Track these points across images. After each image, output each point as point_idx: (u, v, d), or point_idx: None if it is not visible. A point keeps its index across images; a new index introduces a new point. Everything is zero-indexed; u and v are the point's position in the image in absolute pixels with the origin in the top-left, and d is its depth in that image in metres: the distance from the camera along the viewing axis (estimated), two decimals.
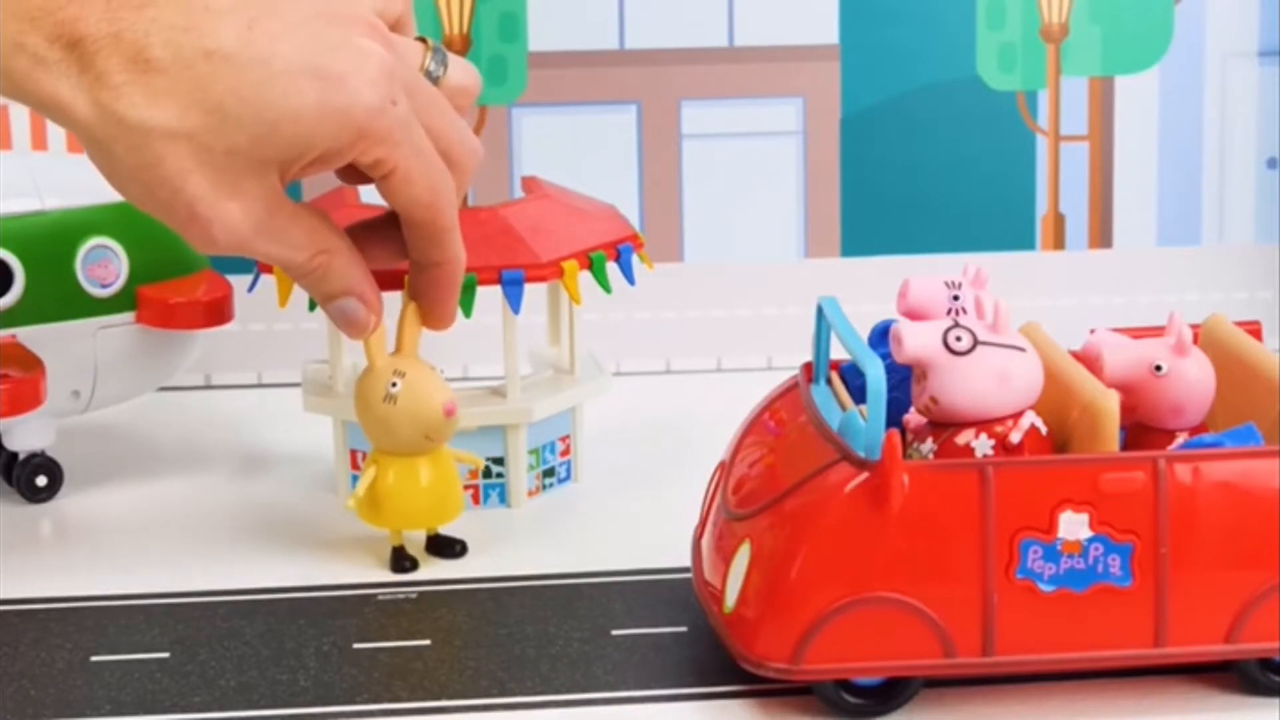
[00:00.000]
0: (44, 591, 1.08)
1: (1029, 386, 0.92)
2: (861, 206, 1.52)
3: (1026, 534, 0.88)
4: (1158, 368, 0.96)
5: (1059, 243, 1.53)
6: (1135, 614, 0.90)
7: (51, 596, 1.08)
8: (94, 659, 0.99)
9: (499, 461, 1.20)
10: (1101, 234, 1.53)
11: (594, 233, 1.21)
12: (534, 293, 1.19)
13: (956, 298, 0.98)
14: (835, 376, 1.02)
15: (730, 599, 0.92)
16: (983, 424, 0.91)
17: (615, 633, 1.01)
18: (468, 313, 1.15)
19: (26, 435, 1.22)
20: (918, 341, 0.90)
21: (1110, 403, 0.91)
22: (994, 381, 0.91)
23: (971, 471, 0.88)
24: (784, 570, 0.89)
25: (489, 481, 1.20)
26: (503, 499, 1.21)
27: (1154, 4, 1.50)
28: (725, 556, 0.94)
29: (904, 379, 0.96)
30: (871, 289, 1.52)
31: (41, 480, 1.23)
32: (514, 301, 1.15)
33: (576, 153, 1.50)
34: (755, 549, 0.91)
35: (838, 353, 1.00)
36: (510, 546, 1.14)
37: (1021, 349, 0.92)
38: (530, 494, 1.22)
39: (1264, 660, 0.92)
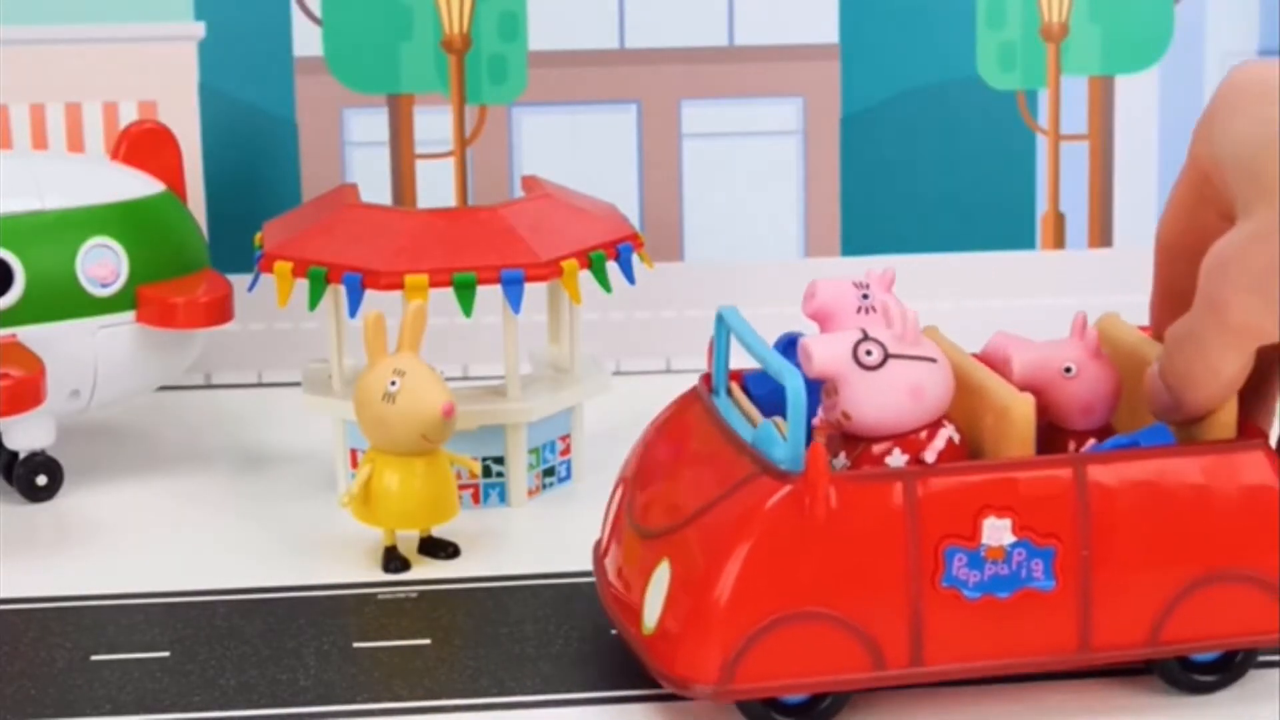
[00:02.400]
0: (44, 591, 1.08)
1: (941, 397, 0.90)
2: (861, 206, 1.52)
3: (951, 542, 0.87)
4: (1067, 369, 0.94)
5: (1059, 242, 1.53)
6: (1060, 617, 0.89)
7: (51, 596, 1.08)
8: (94, 658, 0.99)
9: (499, 461, 1.20)
10: (1101, 234, 1.53)
11: (594, 232, 1.21)
12: (534, 292, 1.19)
13: (866, 296, 0.96)
14: (736, 388, 0.99)
15: (650, 619, 0.90)
16: (897, 438, 0.89)
17: (615, 632, 1.01)
18: (468, 313, 1.15)
19: (26, 434, 1.22)
20: (827, 355, 0.88)
21: (1026, 407, 0.89)
22: (906, 395, 0.89)
23: (895, 481, 0.87)
24: (708, 589, 0.87)
25: (489, 481, 1.20)
26: (503, 498, 1.21)
27: (1154, 4, 1.50)
28: (641, 574, 0.91)
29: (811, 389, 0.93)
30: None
31: (41, 479, 1.23)
32: (514, 301, 1.15)
33: (576, 153, 1.50)
34: (676, 568, 0.89)
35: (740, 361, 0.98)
36: (510, 546, 1.14)
37: (933, 359, 0.90)
38: (530, 494, 1.22)
39: (1183, 659, 0.92)
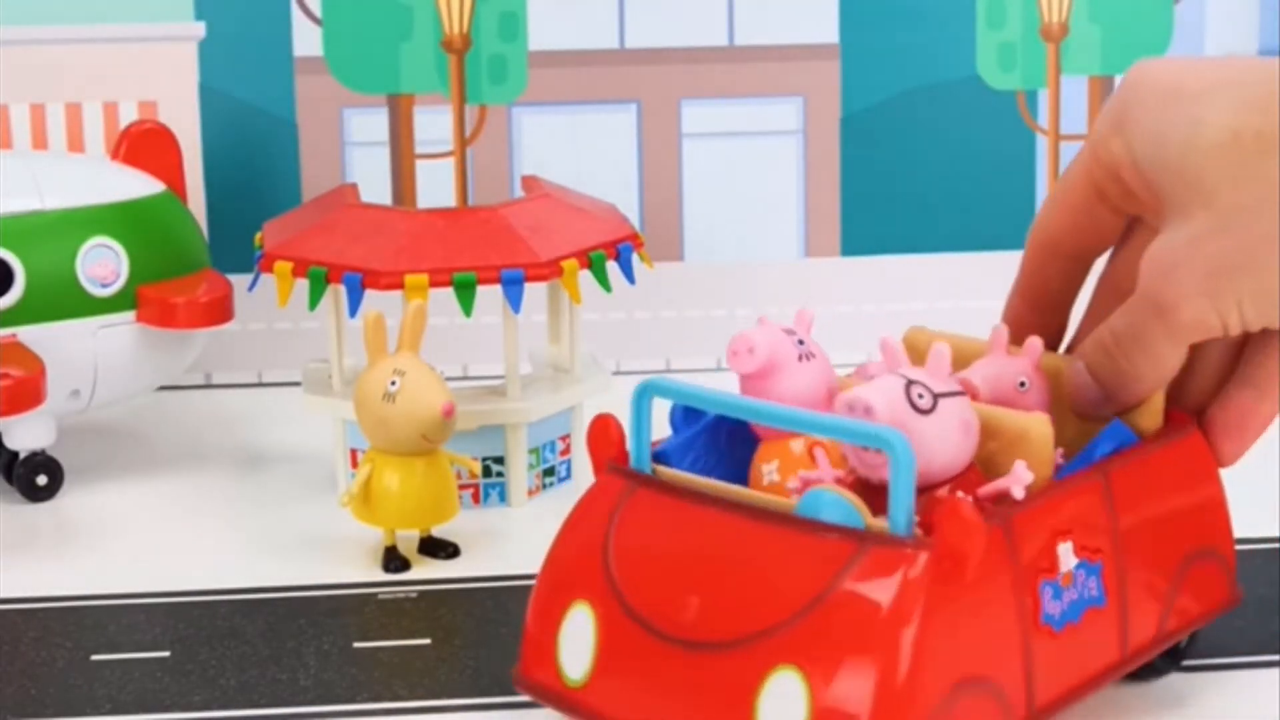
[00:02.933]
0: (44, 590, 1.08)
1: (978, 429, 0.85)
2: (861, 206, 1.52)
3: (1042, 576, 0.83)
4: (1021, 384, 0.91)
5: None
6: (1111, 630, 0.87)
7: (52, 595, 1.08)
8: (94, 658, 0.99)
9: (499, 461, 1.20)
10: None
11: (594, 232, 1.21)
12: (534, 292, 1.19)
13: (801, 343, 0.90)
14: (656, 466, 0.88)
15: None
16: (956, 479, 0.83)
17: None
18: (468, 313, 1.15)
19: (27, 434, 1.22)
20: (888, 405, 0.81)
21: (1046, 427, 0.85)
22: (960, 433, 0.83)
23: (996, 523, 0.81)
24: (887, 681, 0.76)
25: (489, 481, 1.20)
26: (503, 498, 1.21)
27: (1154, 4, 1.50)
28: (725, 691, 0.79)
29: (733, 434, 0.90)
30: (871, 289, 1.52)
31: (42, 479, 1.23)
32: (514, 301, 1.15)
33: (576, 153, 1.50)
34: (810, 671, 0.77)
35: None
36: (510, 546, 1.14)
37: (963, 391, 0.85)
38: (530, 493, 1.22)
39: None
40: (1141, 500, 0.89)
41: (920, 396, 0.82)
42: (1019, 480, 0.82)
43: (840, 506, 0.81)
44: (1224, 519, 0.94)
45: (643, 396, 0.86)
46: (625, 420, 0.88)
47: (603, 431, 0.89)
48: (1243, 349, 0.93)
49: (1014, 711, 0.82)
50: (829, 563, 0.79)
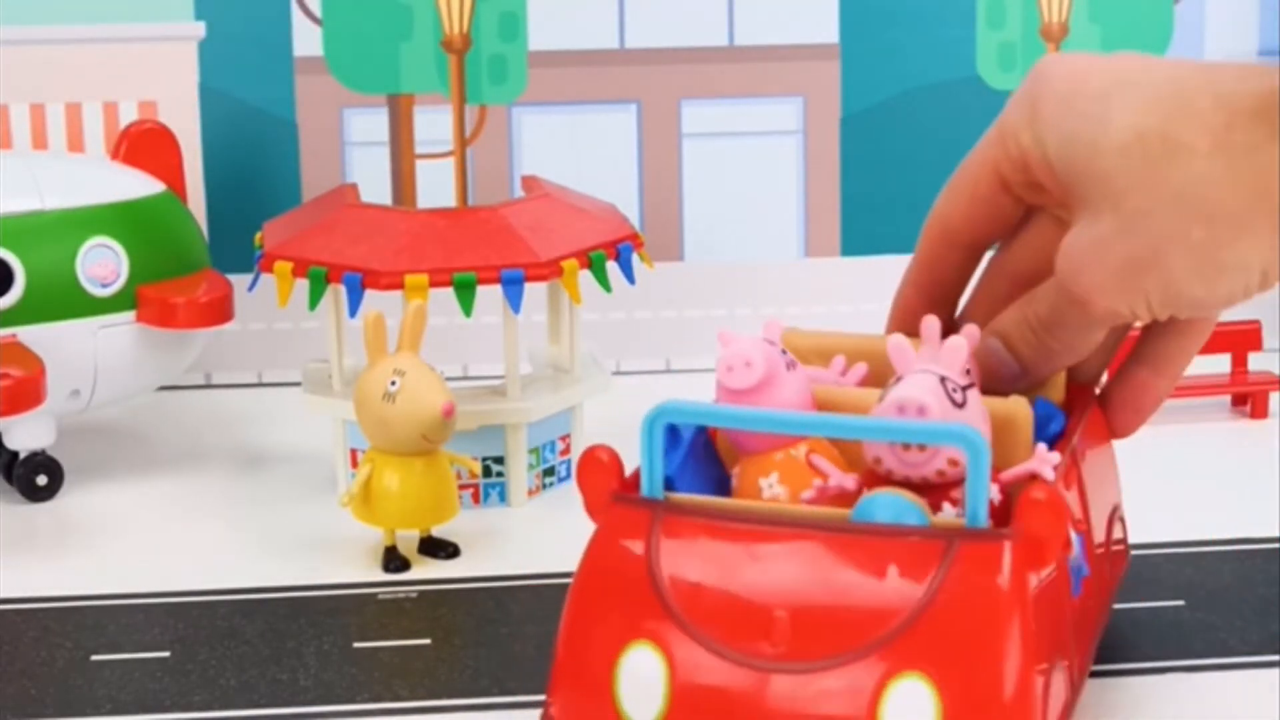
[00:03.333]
0: (44, 591, 1.08)
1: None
2: (861, 206, 1.52)
3: (1066, 553, 0.84)
4: (967, 371, 0.89)
5: None
6: (1097, 595, 0.90)
7: (52, 596, 1.08)
8: (94, 658, 0.99)
9: (499, 461, 1.20)
10: None
11: (594, 232, 1.21)
12: (534, 292, 1.19)
13: (784, 353, 0.89)
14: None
15: None
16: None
17: None
18: (468, 313, 1.15)
19: (27, 434, 1.22)
20: (938, 404, 0.81)
21: (1028, 409, 0.87)
22: (982, 423, 0.84)
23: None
24: (1025, 673, 0.77)
25: (489, 481, 1.20)
26: (503, 498, 1.21)
27: (1154, 4, 1.50)
28: (848, 706, 0.77)
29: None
30: (871, 289, 1.52)
31: (42, 479, 1.23)
32: (514, 301, 1.15)
33: (576, 153, 1.50)
34: (935, 675, 0.76)
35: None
36: (510, 546, 1.14)
37: (974, 383, 0.86)
38: (530, 493, 1.22)
39: None
40: (1091, 471, 0.91)
41: (955, 391, 0.83)
42: (1046, 461, 0.83)
43: (904, 507, 0.80)
44: (1119, 484, 0.98)
45: (654, 423, 0.83)
46: (614, 447, 0.87)
47: (598, 463, 0.85)
48: (1130, 326, 0.96)
49: (1074, 686, 0.83)
50: (922, 564, 0.78)
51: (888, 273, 1.52)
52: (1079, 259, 0.87)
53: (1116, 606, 1.02)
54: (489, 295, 1.16)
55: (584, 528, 1.17)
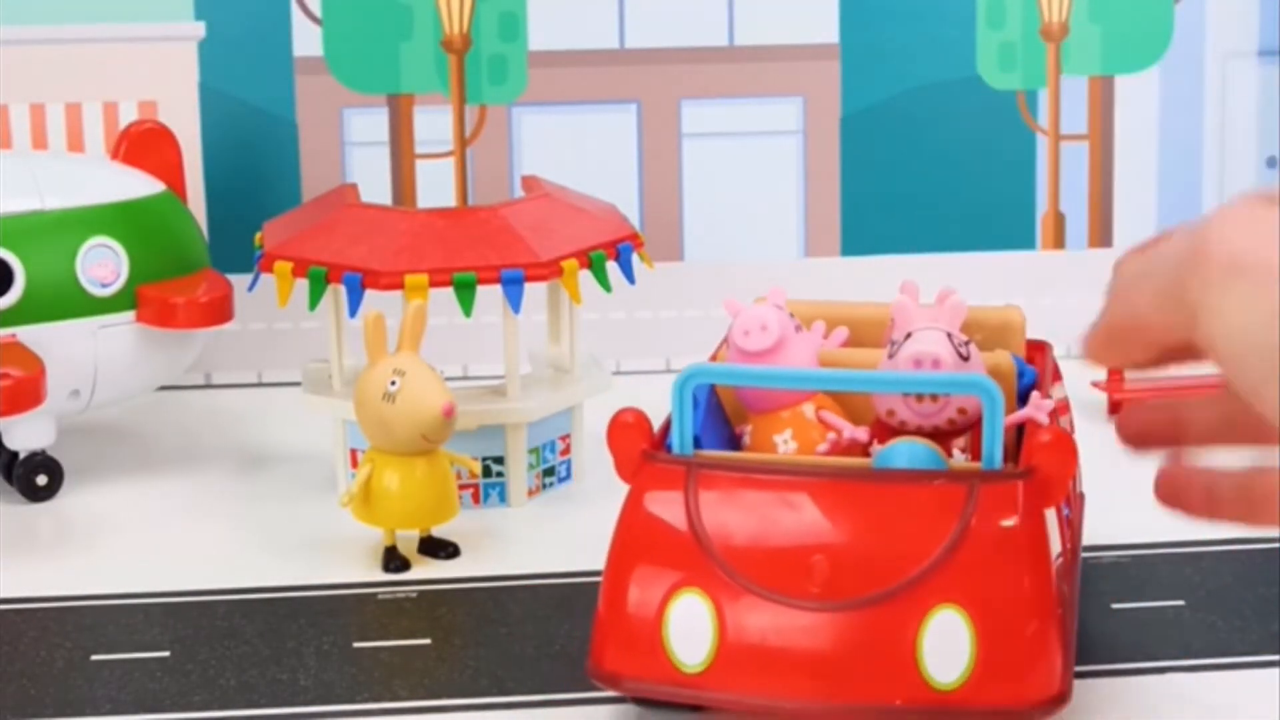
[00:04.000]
0: (44, 591, 1.08)
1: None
2: (861, 206, 1.52)
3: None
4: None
5: (1059, 242, 1.53)
6: (1074, 534, 0.94)
7: (51, 595, 1.08)
8: (94, 658, 0.99)
9: (499, 461, 1.20)
10: (1101, 233, 1.53)
11: (594, 232, 1.21)
12: (534, 292, 1.19)
13: (792, 316, 0.96)
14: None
15: (951, 672, 0.83)
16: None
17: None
18: (468, 313, 1.15)
19: (27, 434, 1.22)
20: (952, 359, 0.88)
21: (1009, 360, 0.94)
22: (985, 374, 0.90)
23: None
24: (1042, 604, 0.84)
25: (489, 481, 1.20)
26: (503, 498, 1.21)
27: (1154, 4, 1.50)
28: (887, 639, 0.83)
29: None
30: (871, 289, 1.52)
31: (42, 479, 1.23)
32: (514, 301, 1.15)
33: (576, 153, 1.50)
34: (971, 608, 0.83)
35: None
36: (510, 546, 1.14)
37: (970, 340, 0.92)
38: (530, 493, 1.22)
39: None
40: (1060, 419, 0.98)
41: (961, 346, 0.89)
42: (1040, 408, 0.90)
43: (925, 454, 0.88)
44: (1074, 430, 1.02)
45: (685, 385, 0.88)
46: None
47: (626, 425, 0.90)
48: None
49: (1077, 615, 0.89)
50: (949, 505, 0.84)
51: (888, 273, 1.52)
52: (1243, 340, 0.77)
53: (1116, 606, 1.02)
54: (489, 295, 1.16)
55: (583, 528, 1.17)
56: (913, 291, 0.94)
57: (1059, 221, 1.53)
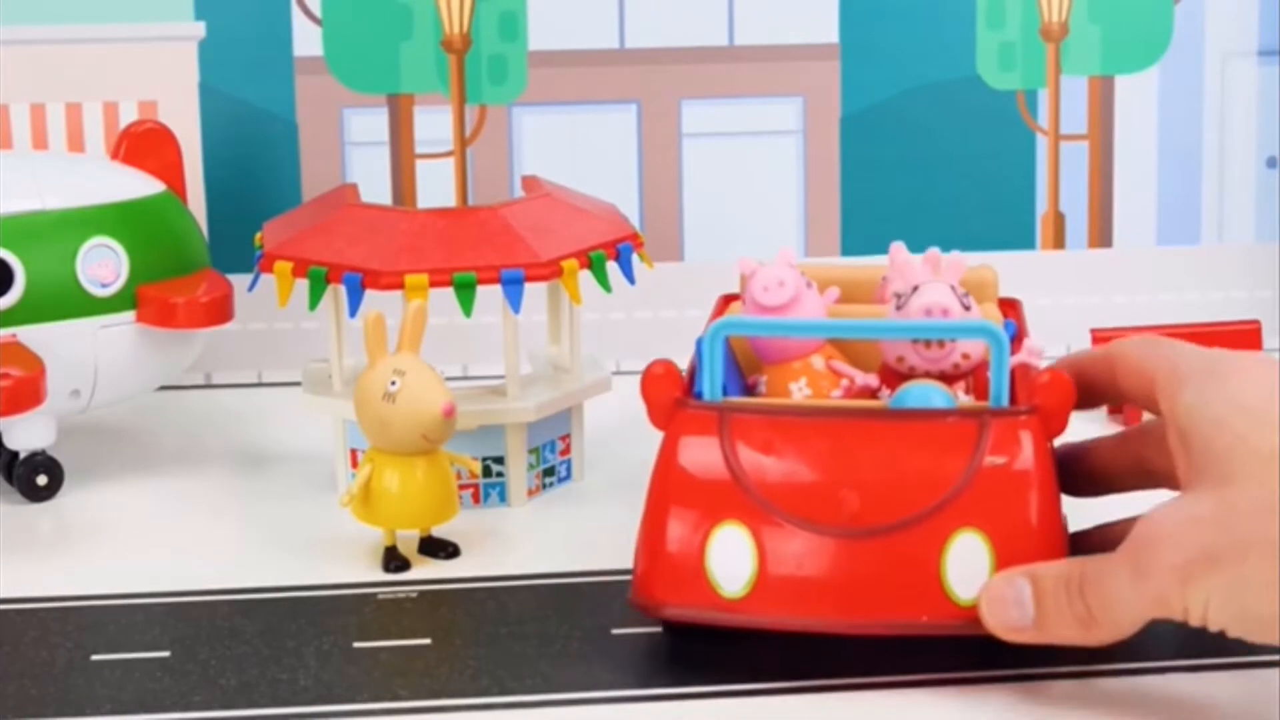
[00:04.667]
0: (44, 590, 1.08)
1: None
2: (861, 206, 1.52)
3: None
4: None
5: (1059, 242, 1.53)
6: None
7: (52, 595, 1.08)
8: (94, 658, 0.99)
9: (499, 461, 1.20)
10: (1101, 233, 1.53)
11: (594, 232, 1.21)
12: (534, 292, 1.19)
13: (802, 274, 1.04)
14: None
15: (970, 589, 0.92)
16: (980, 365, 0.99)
17: (615, 632, 1.01)
18: (468, 313, 1.15)
19: (27, 434, 1.22)
20: (957, 308, 0.97)
21: (996, 310, 1.06)
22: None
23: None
24: (1047, 527, 0.93)
25: (489, 481, 1.20)
26: (503, 498, 1.21)
27: (1154, 4, 1.50)
28: (913, 562, 0.92)
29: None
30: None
31: (42, 479, 1.23)
32: (514, 301, 1.15)
33: (576, 153, 1.50)
34: (989, 530, 0.92)
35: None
36: (510, 546, 1.14)
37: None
38: (530, 493, 1.22)
39: None
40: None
41: (963, 297, 0.98)
42: (1034, 354, 1.00)
43: (936, 394, 0.96)
44: None
45: (715, 336, 0.97)
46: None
47: (658, 376, 0.98)
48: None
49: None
50: (964, 439, 0.93)
51: None
52: (1161, 531, 0.87)
53: None
54: (489, 295, 1.16)
55: (584, 528, 1.17)
56: (957, 266, 1.01)
57: (1059, 221, 1.53)
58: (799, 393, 1.02)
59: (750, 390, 1.05)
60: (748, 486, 0.94)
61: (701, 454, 0.95)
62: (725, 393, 0.98)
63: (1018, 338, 1.05)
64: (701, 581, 0.94)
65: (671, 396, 0.98)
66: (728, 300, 1.13)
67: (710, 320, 1.06)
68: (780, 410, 0.97)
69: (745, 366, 1.07)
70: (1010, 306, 1.13)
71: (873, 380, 1.01)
